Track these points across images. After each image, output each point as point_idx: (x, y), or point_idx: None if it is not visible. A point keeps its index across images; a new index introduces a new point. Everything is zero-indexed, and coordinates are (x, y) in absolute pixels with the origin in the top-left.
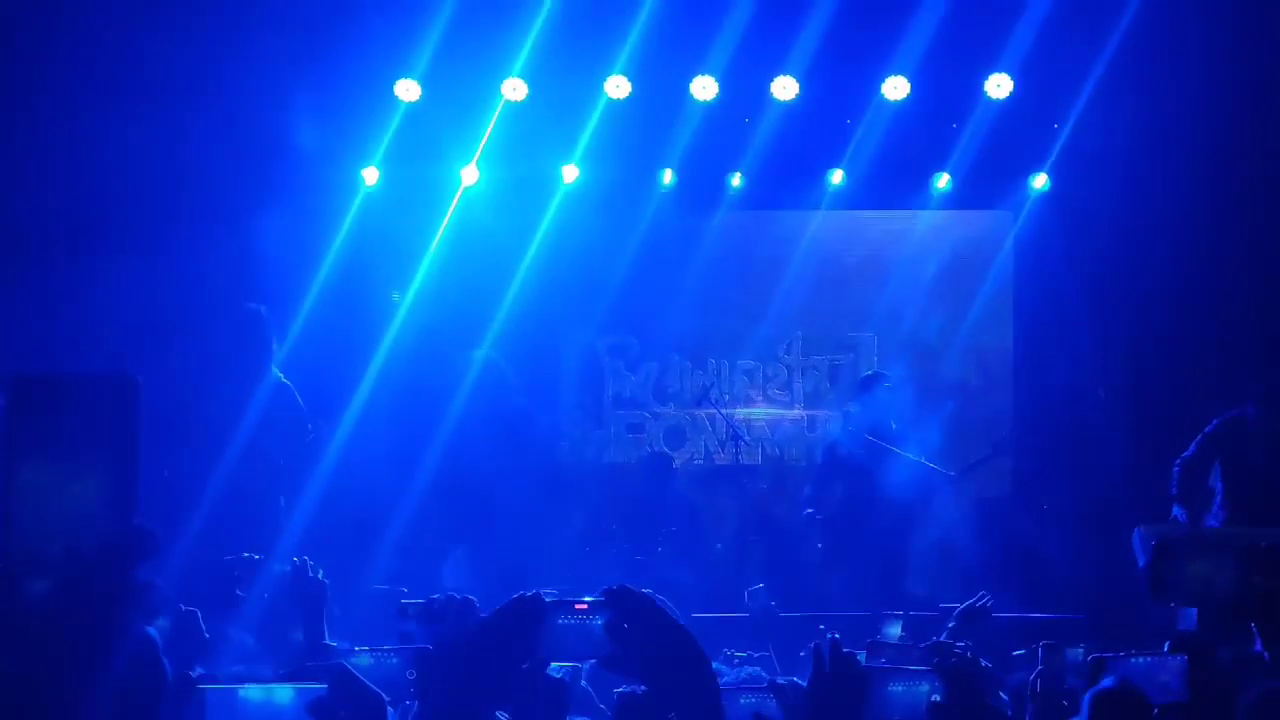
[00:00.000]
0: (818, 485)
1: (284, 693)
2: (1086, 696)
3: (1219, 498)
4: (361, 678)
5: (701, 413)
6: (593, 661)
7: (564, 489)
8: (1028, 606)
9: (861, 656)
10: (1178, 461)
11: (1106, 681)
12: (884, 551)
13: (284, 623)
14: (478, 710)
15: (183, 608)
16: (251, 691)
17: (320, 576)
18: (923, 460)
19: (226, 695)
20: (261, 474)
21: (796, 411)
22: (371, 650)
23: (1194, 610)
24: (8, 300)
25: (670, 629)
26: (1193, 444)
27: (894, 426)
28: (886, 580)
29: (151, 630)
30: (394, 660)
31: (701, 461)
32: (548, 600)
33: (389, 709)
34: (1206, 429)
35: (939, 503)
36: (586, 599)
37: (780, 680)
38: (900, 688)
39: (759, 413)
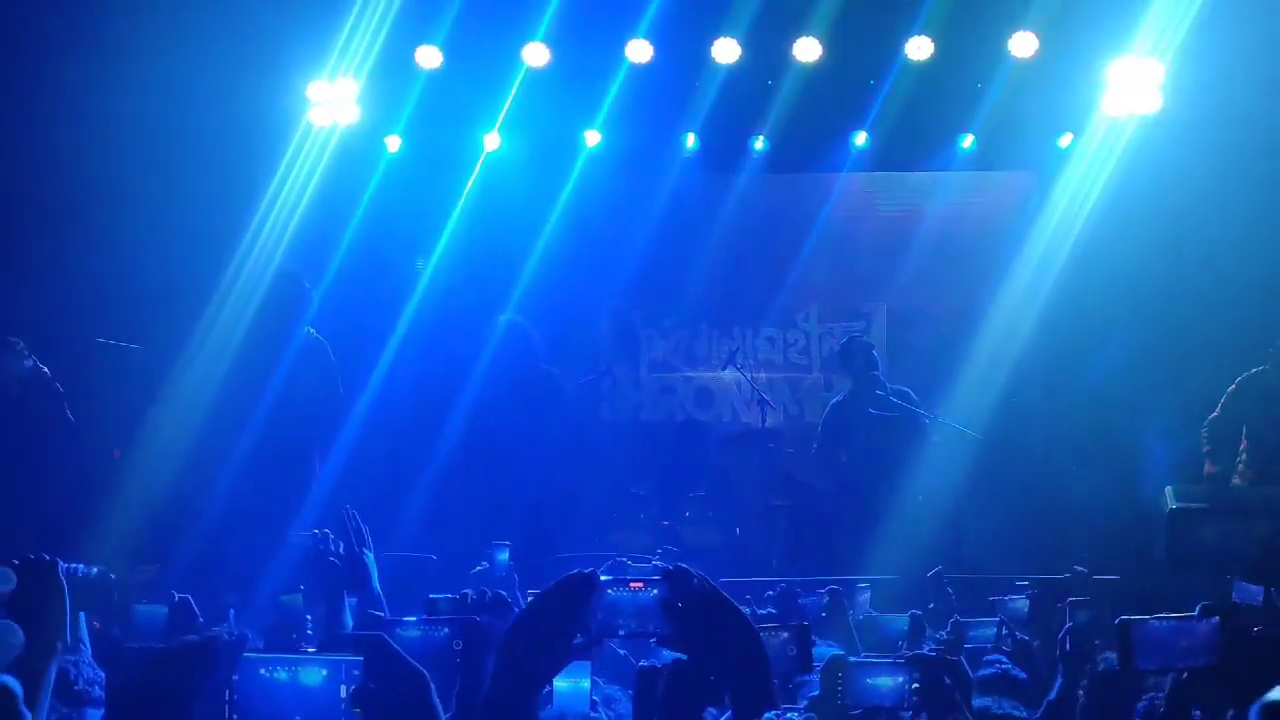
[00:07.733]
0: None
1: (312, 673)
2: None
3: (1245, 456)
4: (402, 652)
5: (728, 374)
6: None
7: (589, 452)
8: (1052, 568)
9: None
10: (1206, 422)
11: None
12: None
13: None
14: (530, 683)
15: (176, 596)
16: (278, 670)
17: (341, 551)
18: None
19: (249, 667)
20: (297, 431)
21: (815, 375)
22: (420, 621)
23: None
24: (26, 270)
25: (726, 610)
26: (1219, 404)
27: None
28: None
29: (7, 679)
30: (444, 632)
31: (729, 420)
32: (603, 577)
33: (431, 685)
34: (1231, 387)
35: (962, 463)
36: (641, 579)
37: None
38: None
39: (780, 376)
